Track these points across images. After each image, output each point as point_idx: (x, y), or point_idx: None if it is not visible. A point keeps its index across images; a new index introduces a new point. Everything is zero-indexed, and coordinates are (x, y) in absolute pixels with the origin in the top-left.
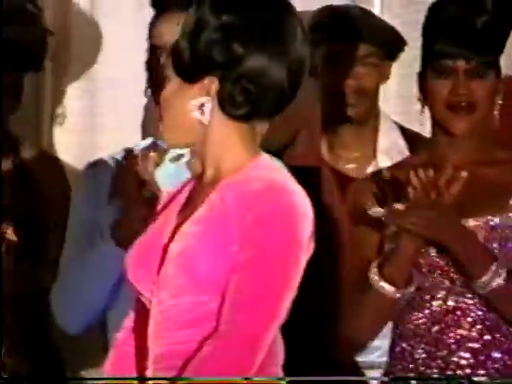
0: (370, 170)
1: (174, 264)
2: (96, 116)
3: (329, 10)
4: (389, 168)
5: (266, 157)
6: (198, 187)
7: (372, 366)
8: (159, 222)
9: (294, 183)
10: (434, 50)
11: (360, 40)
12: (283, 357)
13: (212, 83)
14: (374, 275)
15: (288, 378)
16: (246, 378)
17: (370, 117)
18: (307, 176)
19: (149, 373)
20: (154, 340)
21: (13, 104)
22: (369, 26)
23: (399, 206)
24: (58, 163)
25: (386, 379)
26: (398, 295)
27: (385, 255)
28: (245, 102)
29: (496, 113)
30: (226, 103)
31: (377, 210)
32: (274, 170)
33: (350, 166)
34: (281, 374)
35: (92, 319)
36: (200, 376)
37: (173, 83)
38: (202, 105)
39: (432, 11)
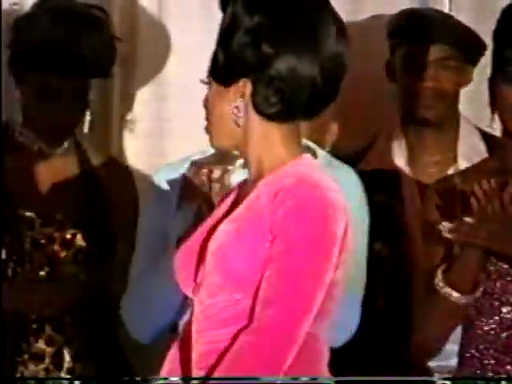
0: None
1: (210, 262)
2: (164, 121)
3: (406, 12)
4: (459, 173)
5: (307, 156)
6: (244, 188)
7: (449, 371)
8: (206, 223)
9: (329, 180)
10: (503, 56)
11: (438, 42)
12: (328, 355)
13: (246, 85)
14: (438, 281)
15: (335, 378)
16: (294, 378)
17: (450, 120)
18: (386, 179)
19: (193, 373)
20: (197, 340)
21: (81, 110)
22: (447, 28)
23: (467, 220)
24: (127, 170)
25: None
26: (463, 301)
27: (450, 261)
28: (278, 102)
29: None
30: (260, 104)
31: (448, 225)
32: (311, 166)
33: (430, 170)
34: (326, 372)
35: (164, 328)
36: (232, 372)
37: (213, 87)
38: (237, 107)
39: (503, 17)
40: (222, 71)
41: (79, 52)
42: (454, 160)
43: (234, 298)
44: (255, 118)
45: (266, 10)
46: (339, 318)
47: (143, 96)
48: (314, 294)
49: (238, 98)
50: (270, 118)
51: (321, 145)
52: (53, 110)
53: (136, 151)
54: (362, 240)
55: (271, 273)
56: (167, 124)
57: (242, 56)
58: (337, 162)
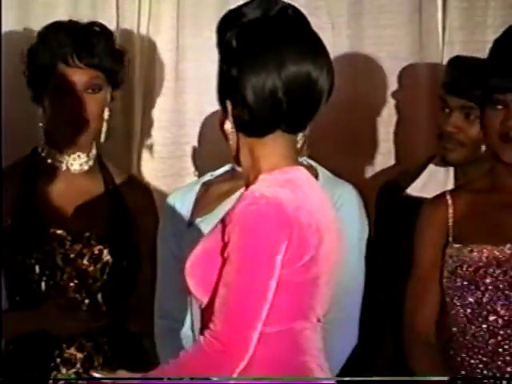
0: None
1: (186, 270)
2: (182, 145)
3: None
4: (452, 191)
5: (287, 169)
6: None
7: None
8: None
9: (278, 195)
10: (488, 84)
11: (452, 94)
12: (319, 351)
13: (228, 106)
14: None
15: (336, 379)
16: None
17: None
18: None
19: None
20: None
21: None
22: (458, 82)
23: None
24: (146, 187)
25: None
26: None
27: None
28: (249, 118)
29: None
30: (237, 121)
31: None
32: (273, 182)
33: None
34: (312, 365)
35: None
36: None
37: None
38: (227, 125)
39: (490, 50)
40: (217, 95)
41: (84, 61)
42: None
43: (203, 303)
44: (241, 135)
45: (239, 38)
46: (339, 327)
47: (164, 123)
48: (257, 303)
49: (226, 118)
50: (246, 133)
51: None
52: (68, 124)
53: (157, 173)
54: (360, 251)
55: (221, 285)
56: (185, 147)
57: (222, 80)
58: (337, 179)
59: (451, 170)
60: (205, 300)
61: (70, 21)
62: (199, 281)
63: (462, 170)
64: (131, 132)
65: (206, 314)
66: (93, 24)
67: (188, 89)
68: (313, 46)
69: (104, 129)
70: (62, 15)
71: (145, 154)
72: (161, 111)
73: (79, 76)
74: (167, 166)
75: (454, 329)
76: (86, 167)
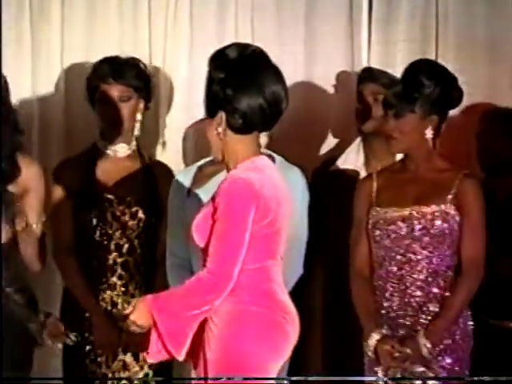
0: None
1: (193, 226)
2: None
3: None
4: (377, 172)
5: (253, 159)
6: None
7: None
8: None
9: (248, 177)
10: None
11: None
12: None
13: (222, 115)
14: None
15: (327, 378)
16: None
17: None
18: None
19: None
20: None
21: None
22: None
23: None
24: (168, 167)
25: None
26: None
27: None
28: (243, 123)
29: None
30: (231, 124)
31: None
32: (244, 168)
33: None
34: (276, 289)
35: None
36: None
37: (206, 120)
38: (219, 129)
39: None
40: (207, 108)
41: (124, 80)
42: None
43: (203, 248)
44: (229, 134)
45: (227, 69)
46: (290, 263)
47: (176, 123)
48: (236, 248)
49: (218, 123)
50: (238, 131)
51: None
52: (110, 123)
53: (173, 159)
54: (303, 216)
55: (212, 238)
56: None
57: (216, 98)
58: (289, 164)
59: (361, 150)
60: (203, 246)
61: (111, 56)
62: (201, 235)
63: (370, 147)
64: (157, 131)
65: (203, 256)
66: (126, 58)
67: (199, 100)
68: (279, 75)
69: (137, 126)
70: (112, 53)
71: (168, 146)
72: (179, 114)
73: (114, 90)
74: (179, 154)
75: (375, 264)
76: (127, 153)
